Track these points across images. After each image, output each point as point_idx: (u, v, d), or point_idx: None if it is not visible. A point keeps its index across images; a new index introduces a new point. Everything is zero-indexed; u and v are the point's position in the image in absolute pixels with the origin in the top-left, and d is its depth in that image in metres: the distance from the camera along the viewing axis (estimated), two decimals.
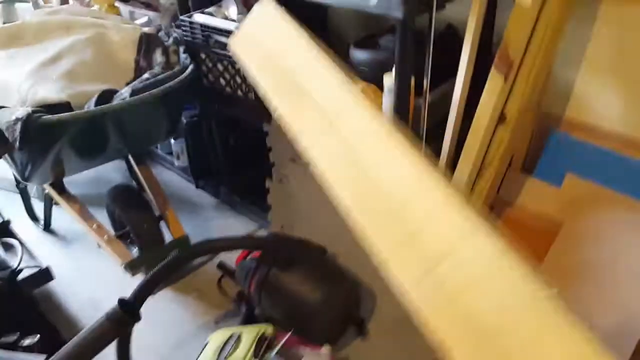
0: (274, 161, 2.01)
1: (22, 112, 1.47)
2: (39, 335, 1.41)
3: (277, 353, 1.52)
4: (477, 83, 1.63)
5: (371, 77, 1.77)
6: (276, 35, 1.17)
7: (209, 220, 2.45)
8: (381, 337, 1.73)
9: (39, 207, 2.45)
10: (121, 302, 0.99)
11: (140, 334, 1.47)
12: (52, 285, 2.07)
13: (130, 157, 2.24)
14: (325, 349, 1.59)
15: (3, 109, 1.56)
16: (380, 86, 1.73)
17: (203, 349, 1.60)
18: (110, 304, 2.04)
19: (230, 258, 1.99)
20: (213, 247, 1.60)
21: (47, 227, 2.38)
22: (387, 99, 1.67)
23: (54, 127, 1.55)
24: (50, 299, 2.04)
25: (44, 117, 1.51)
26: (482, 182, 1.67)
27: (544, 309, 0.66)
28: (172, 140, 2.59)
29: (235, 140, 2.35)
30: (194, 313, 1.95)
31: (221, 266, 2.01)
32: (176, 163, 2.69)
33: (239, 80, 1.93)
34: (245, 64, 1.23)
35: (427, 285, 0.76)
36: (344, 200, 0.91)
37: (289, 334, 1.59)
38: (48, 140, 1.60)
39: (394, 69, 1.62)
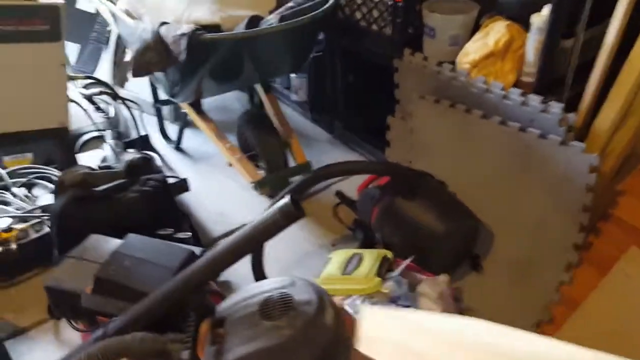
0: (399, 98, 2.05)
1: (187, 28, 1.60)
2: (191, 233, 1.58)
3: (399, 274, 1.61)
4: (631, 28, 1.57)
5: (515, 16, 1.74)
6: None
7: (322, 154, 2.55)
8: (495, 275, 1.78)
9: (170, 129, 2.68)
10: (293, 198, 1.10)
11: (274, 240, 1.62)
12: (183, 197, 2.28)
13: (258, 86, 2.37)
14: (443, 277, 1.66)
15: (167, 24, 1.71)
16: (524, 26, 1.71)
17: (326, 264, 1.73)
18: (235, 218, 2.25)
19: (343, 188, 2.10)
20: (349, 168, 1.69)
21: (178, 146, 2.59)
22: (533, 39, 1.65)
23: (212, 44, 1.67)
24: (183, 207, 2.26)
25: (205, 34, 1.64)
26: (623, 131, 1.63)
27: None
28: (292, 75, 2.69)
29: (357, 76, 2.40)
30: (312, 234, 2.09)
31: (339, 194, 2.11)
32: (293, 97, 2.79)
33: (375, 13, 1.97)
34: None
35: None
36: None
37: (411, 259, 1.66)
38: (203, 57, 1.74)
39: (544, 9, 1.59)
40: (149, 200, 1.66)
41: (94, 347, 1.09)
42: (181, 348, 1.07)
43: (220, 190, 2.34)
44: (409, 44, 1.93)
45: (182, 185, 2.06)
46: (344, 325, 1.19)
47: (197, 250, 1.42)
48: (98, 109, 2.27)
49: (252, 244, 1.13)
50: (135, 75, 1.72)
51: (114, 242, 1.44)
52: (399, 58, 1.96)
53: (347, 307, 1.53)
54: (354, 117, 2.50)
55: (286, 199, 1.12)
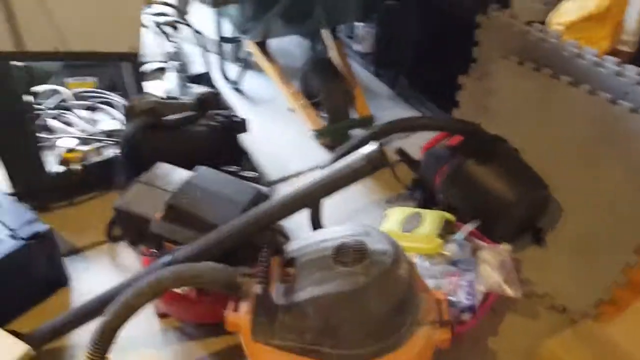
0: (478, 57, 1.95)
1: None
2: (257, 174, 1.56)
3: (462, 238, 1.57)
4: None
5: None
6: None
7: (382, 109, 2.47)
8: (557, 250, 1.72)
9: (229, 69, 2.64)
10: (380, 144, 1.06)
11: None
12: (241, 138, 2.27)
13: (325, 32, 2.29)
14: (505, 246, 1.61)
15: None
16: None
17: (384, 220, 1.70)
18: (290, 165, 2.23)
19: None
20: (426, 123, 1.64)
21: (237, 87, 2.56)
22: (637, 5, 1.53)
23: None
24: None
25: None
26: None
27: None
28: (358, 23, 2.59)
29: (430, 30, 2.29)
30: (367, 189, 2.05)
31: (401, 152, 2.05)
32: (355, 47, 2.70)
33: None
34: None
35: None
36: None
37: (475, 224, 1.62)
38: None
39: None
40: (216, 136, 1.65)
41: (164, 271, 1.09)
42: (252, 282, 1.07)
43: (277, 135, 2.31)
44: None
45: (242, 125, 2.03)
46: (416, 280, 1.17)
47: (264, 189, 1.40)
48: (168, 38, 2.23)
49: (334, 187, 1.10)
50: (215, 5, 1.67)
51: (183, 172, 1.44)
52: (483, 13, 1.85)
53: None
54: (420, 73, 2.40)
55: (374, 146, 1.08)
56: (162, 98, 1.72)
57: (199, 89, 1.75)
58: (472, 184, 1.66)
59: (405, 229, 1.61)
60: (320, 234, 1.18)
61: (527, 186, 1.62)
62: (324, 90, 2.06)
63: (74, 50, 1.63)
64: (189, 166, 1.48)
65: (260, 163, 2.16)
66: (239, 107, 2.45)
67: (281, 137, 2.30)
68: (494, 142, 1.68)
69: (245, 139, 2.22)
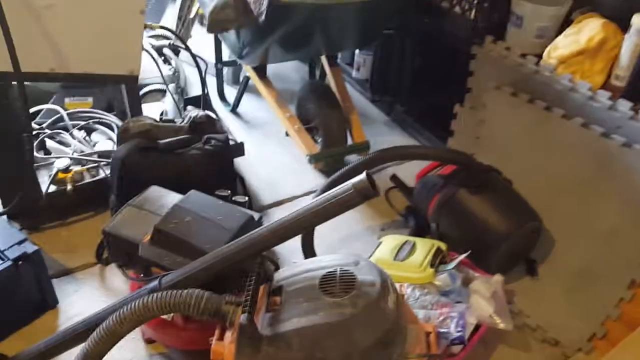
0: (472, 87, 1.97)
1: None
2: (248, 198, 1.55)
3: (453, 268, 1.56)
4: None
5: (612, 15, 1.64)
6: None
7: (377, 135, 2.47)
8: (550, 282, 1.70)
9: (228, 92, 2.66)
10: (368, 175, 1.05)
11: None
12: (236, 161, 2.27)
13: (323, 58, 2.31)
14: (497, 277, 1.60)
15: None
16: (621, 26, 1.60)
17: (377, 248, 1.69)
18: (285, 189, 2.23)
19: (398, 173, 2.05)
20: (420, 152, 1.64)
21: (234, 110, 2.57)
22: (631, 41, 1.54)
23: (290, 8, 1.63)
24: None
25: None
26: None
27: None
28: (357, 51, 2.63)
29: (426, 60, 2.32)
30: (360, 215, 2.05)
31: (395, 178, 2.06)
32: (354, 74, 2.73)
33: None
34: None
35: None
36: None
37: (466, 254, 1.61)
38: (279, 21, 1.70)
39: None
40: (210, 159, 1.65)
41: (150, 297, 1.08)
42: (238, 310, 1.05)
43: (273, 159, 2.32)
44: (492, 32, 1.84)
45: (238, 149, 2.04)
46: (405, 312, 1.16)
47: (255, 215, 1.40)
48: (165, 61, 2.26)
49: (324, 217, 1.09)
50: (210, 30, 1.69)
51: (175, 196, 1.43)
52: (479, 45, 1.88)
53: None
54: (416, 101, 2.42)
55: (362, 176, 1.08)
56: (157, 121, 1.72)
57: (194, 112, 1.75)
58: (464, 213, 1.66)
59: (397, 257, 1.60)
60: (309, 263, 1.17)
61: (520, 218, 1.62)
62: (320, 115, 2.08)
63: (72, 72, 1.65)
64: (182, 190, 1.47)
65: (254, 187, 2.16)
66: (236, 130, 2.47)
67: (277, 160, 2.30)
68: (487, 172, 1.68)
69: (241, 162, 2.24)
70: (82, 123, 2.11)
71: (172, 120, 1.76)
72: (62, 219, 1.92)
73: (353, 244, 1.92)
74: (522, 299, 1.68)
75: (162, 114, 2.14)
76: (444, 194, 1.70)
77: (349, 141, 2.17)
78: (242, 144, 2.05)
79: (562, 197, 1.67)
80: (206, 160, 1.63)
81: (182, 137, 1.65)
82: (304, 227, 1.11)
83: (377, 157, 1.62)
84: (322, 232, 1.93)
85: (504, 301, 1.52)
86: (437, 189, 1.73)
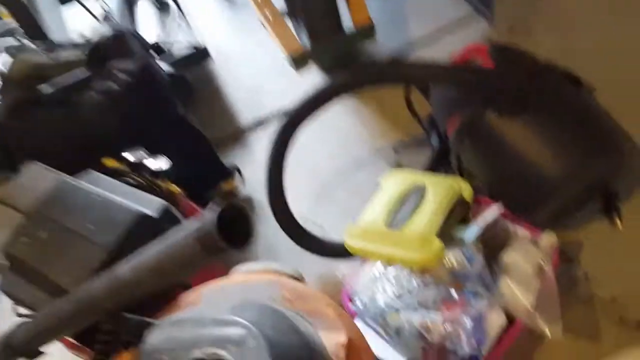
0: None
1: None
2: (170, 162, 1.10)
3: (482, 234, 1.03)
4: None
5: None
6: None
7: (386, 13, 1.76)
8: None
9: None
10: (228, 208, 0.56)
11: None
12: (213, 68, 1.75)
13: None
14: (547, 238, 1.06)
15: None
16: None
17: (373, 197, 1.19)
18: (272, 101, 1.70)
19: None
20: (404, 74, 1.01)
21: None
22: None
23: None
24: (210, 82, 1.74)
25: None
26: None
27: None
28: None
29: None
30: (371, 132, 1.51)
31: None
32: None
33: None
34: None
35: None
36: None
37: (500, 208, 1.06)
38: None
39: None
40: (120, 103, 1.17)
41: None
42: None
43: (262, 60, 1.75)
44: None
45: (198, 55, 1.53)
46: None
47: (153, 210, 0.94)
48: None
49: (149, 283, 0.64)
50: None
51: (49, 184, 1.01)
52: None
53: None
54: None
55: (212, 212, 0.57)
56: (46, 52, 1.24)
57: (101, 30, 1.23)
58: (495, 144, 1.06)
59: (395, 220, 1.10)
60: (188, 324, 0.73)
61: (587, 152, 1.00)
62: None
63: None
64: (88, 160, 1.06)
65: (234, 102, 1.67)
66: (210, 22, 1.89)
67: (265, 61, 1.74)
68: (538, 76, 1.02)
69: (222, 69, 1.72)
70: None
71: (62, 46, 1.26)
72: None
73: (352, 179, 1.42)
74: (592, 257, 1.13)
75: (105, 17, 1.65)
76: (465, 115, 1.10)
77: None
78: (204, 50, 1.52)
79: None
80: (114, 106, 1.16)
81: (76, 76, 1.17)
82: (126, 297, 0.67)
83: (360, 77, 1.03)
84: (314, 161, 1.45)
85: (553, 286, 1.00)
86: (456, 104, 1.13)
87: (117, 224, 0.90)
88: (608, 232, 1.15)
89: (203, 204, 1.18)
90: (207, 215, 0.57)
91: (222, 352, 0.65)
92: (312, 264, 1.26)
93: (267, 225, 1.33)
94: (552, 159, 1.01)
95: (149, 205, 0.95)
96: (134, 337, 0.77)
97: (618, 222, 1.11)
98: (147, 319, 0.79)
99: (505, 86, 0.96)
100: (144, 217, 0.92)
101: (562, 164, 0.99)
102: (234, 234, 0.62)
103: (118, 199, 0.95)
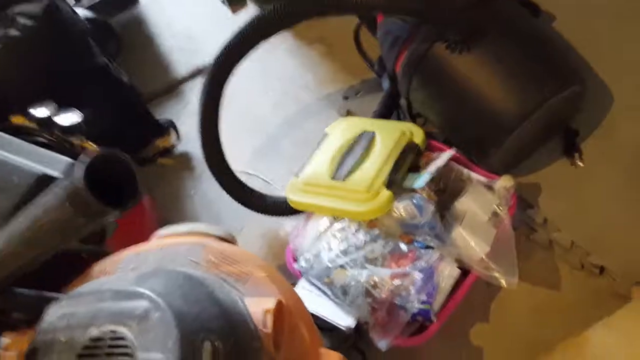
0: None
1: None
2: (79, 120, 0.97)
3: (431, 179, 0.95)
4: None
5: None
6: None
7: None
8: (601, 173, 1.05)
9: None
10: (93, 162, 0.45)
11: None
12: (142, 12, 1.59)
13: None
14: (504, 181, 0.98)
15: None
16: None
17: (319, 145, 1.09)
18: (207, 46, 1.55)
19: None
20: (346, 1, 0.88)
21: None
22: None
23: None
24: (140, 30, 1.59)
25: None
26: None
27: None
28: None
29: None
30: (318, 77, 1.39)
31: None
32: None
33: None
34: None
35: None
36: None
37: (452, 151, 0.98)
38: None
39: None
40: (22, 52, 1.03)
41: None
42: None
43: (196, 1, 1.60)
44: None
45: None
46: None
47: (63, 166, 0.82)
48: None
49: (26, 254, 0.53)
50: None
51: None
52: None
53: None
54: None
55: (80, 165, 0.46)
56: None
57: None
58: (445, 81, 0.96)
59: (339, 171, 1.00)
60: (89, 297, 0.63)
61: (542, 84, 0.90)
62: None
63: None
64: None
65: (168, 50, 1.52)
66: None
67: (193, 4, 1.58)
68: (500, 3, 0.92)
69: (153, 14, 1.56)
70: None
71: None
72: None
73: (300, 128, 1.31)
74: (551, 200, 1.06)
75: None
76: (411, 51, 0.99)
77: None
78: None
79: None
80: (10, 56, 1.01)
81: None
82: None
83: (267, 19, 0.91)
84: (260, 111, 1.34)
85: (509, 233, 0.93)
86: (401, 42, 1.02)
87: (15, 187, 0.78)
88: (568, 174, 1.09)
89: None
90: (75, 170, 0.46)
91: (122, 329, 0.55)
92: (257, 223, 1.17)
93: (207, 184, 1.24)
94: (507, 94, 0.92)
95: (55, 165, 0.83)
96: (30, 314, 0.67)
97: (578, 160, 1.06)
98: (46, 294, 0.69)
99: (454, 13, 0.86)
100: (47, 178, 0.80)
101: (517, 99, 0.90)
102: (119, 191, 0.51)
103: (18, 159, 0.82)
